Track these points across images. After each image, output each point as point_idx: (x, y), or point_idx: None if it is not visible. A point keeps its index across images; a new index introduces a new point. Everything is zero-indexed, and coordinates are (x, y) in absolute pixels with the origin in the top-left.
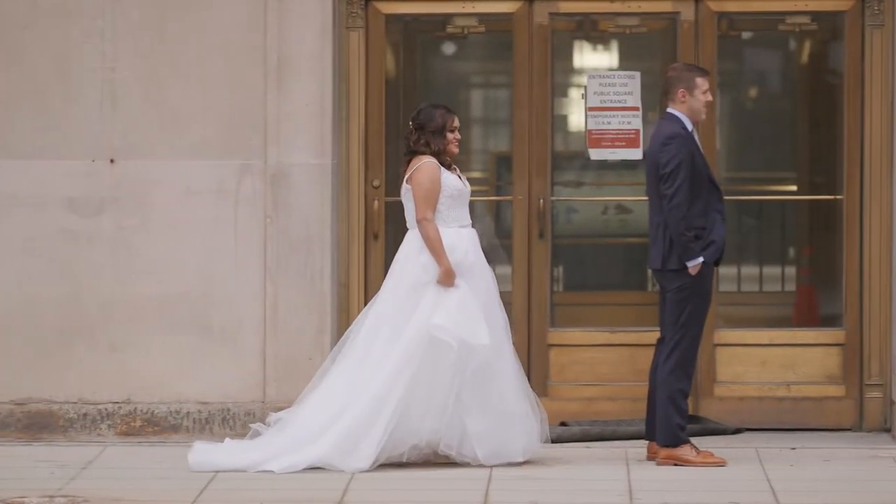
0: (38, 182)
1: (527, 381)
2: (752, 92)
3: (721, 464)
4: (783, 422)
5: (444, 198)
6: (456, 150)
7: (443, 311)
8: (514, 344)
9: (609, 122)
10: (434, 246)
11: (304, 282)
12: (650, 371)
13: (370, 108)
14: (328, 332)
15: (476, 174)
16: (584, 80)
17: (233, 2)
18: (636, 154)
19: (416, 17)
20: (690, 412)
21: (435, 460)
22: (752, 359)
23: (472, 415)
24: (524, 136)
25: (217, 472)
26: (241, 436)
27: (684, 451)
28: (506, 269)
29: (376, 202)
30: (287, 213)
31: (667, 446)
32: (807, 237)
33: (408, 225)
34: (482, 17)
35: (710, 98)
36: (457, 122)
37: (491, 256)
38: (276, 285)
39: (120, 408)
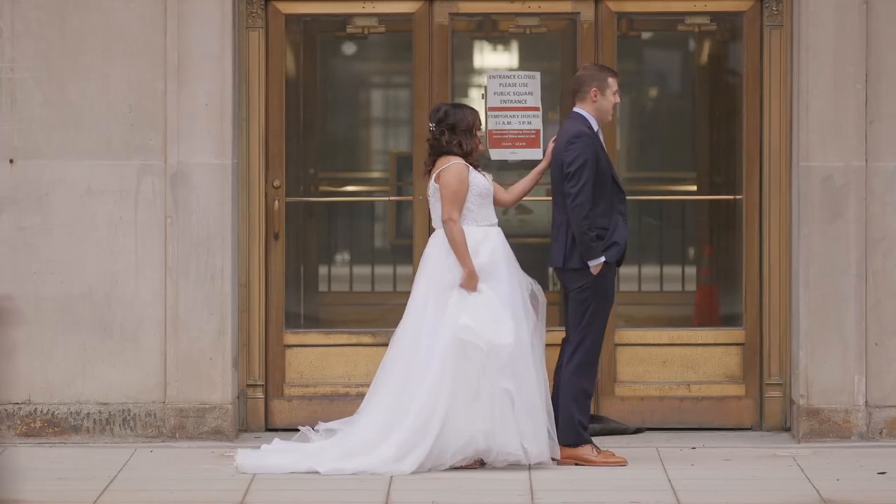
0: None
1: (547, 386)
2: (652, 92)
3: (621, 463)
4: (684, 421)
5: (474, 196)
6: (482, 149)
7: (468, 312)
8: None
9: (509, 122)
10: (459, 248)
11: (205, 282)
12: (555, 371)
13: (270, 108)
14: (229, 332)
15: (376, 174)
16: (484, 80)
17: (134, 2)
18: (536, 154)
19: (316, 17)
20: (592, 412)
21: (475, 465)
22: (652, 358)
23: (520, 412)
24: (424, 136)
25: (268, 473)
26: (143, 437)
27: (585, 451)
28: (407, 269)
29: (277, 202)
30: (187, 213)
31: (568, 445)
32: (707, 237)
33: (434, 224)
34: (382, 18)
35: (618, 99)
36: (480, 120)
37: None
38: (177, 286)
39: (20, 408)
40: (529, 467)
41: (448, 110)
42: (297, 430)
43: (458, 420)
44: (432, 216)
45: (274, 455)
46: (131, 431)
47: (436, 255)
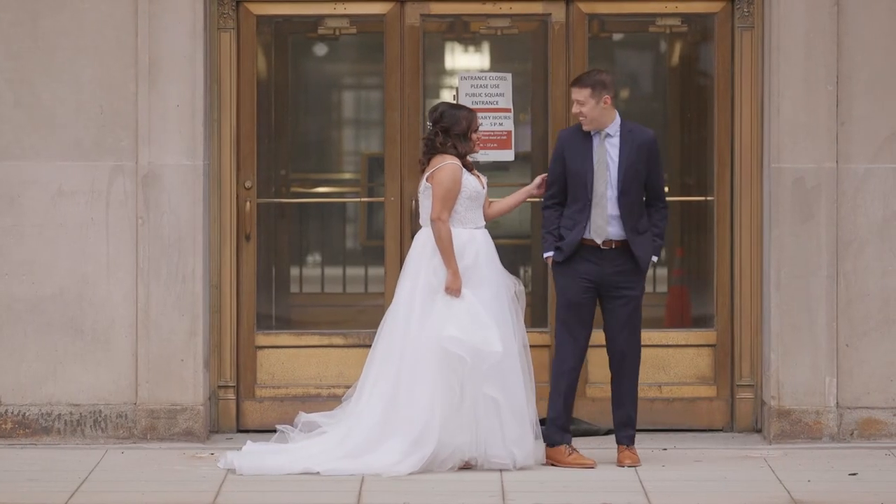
0: None
1: (532, 388)
2: (624, 93)
3: (590, 465)
4: (655, 422)
5: (464, 199)
6: (480, 150)
7: (454, 321)
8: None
9: (480, 124)
10: (445, 247)
11: (176, 283)
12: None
13: (242, 110)
14: (200, 333)
15: (347, 176)
16: (455, 81)
17: (104, 3)
18: (508, 156)
19: (288, 19)
20: None
21: (467, 466)
22: None
23: (506, 418)
24: (396, 138)
25: (263, 474)
26: (114, 438)
27: (558, 452)
28: (378, 271)
29: (248, 203)
30: (159, 214)
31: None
32: (678, 238)
33: (421, 222)
34: (354, 19)
35: (574, 110)
36: (479, 122)
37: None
38: (149, 287)
39: None
40: (501, 469)
41: (444, 111)
42: (270, 432)
43: (444, 431)
44: (420, 215)
45: (271, 456)
46: (102, 433)
47: (419, 255)
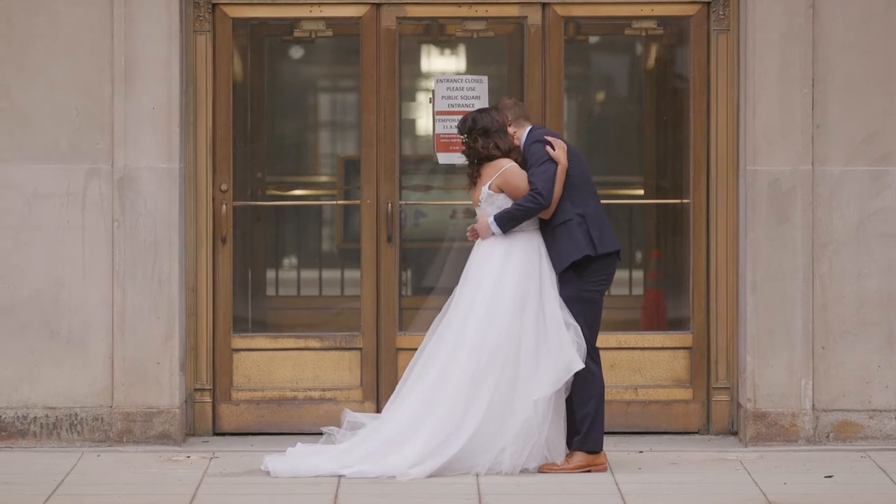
0: None
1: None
2: (600, 96)
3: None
4: (631, 425)
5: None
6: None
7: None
8: (362, 349)
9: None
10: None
11: (152, 286)
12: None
13: (218, 112)
14: (176, 336)
15: (324, 178)
16: (431, 83)
17: (80, 5)
18: None
19: (264, 21)
20: None
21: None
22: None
23: (562, 420)
24: (372, 140)
25: (297, 476)
26: (90, 441)
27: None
28: (355, 274)
29: (224, 206)
30: (135, 216)
31: None
32: (654, 241)
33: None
34: (330, 21)
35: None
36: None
37: None
38: (124, 289)
39: None
40: (477, 473)
41: (475, 117)
42: (247, 435)
43: (474, 441)
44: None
45: (302, 458)
46: (78, 436)
47: (481, 263)
